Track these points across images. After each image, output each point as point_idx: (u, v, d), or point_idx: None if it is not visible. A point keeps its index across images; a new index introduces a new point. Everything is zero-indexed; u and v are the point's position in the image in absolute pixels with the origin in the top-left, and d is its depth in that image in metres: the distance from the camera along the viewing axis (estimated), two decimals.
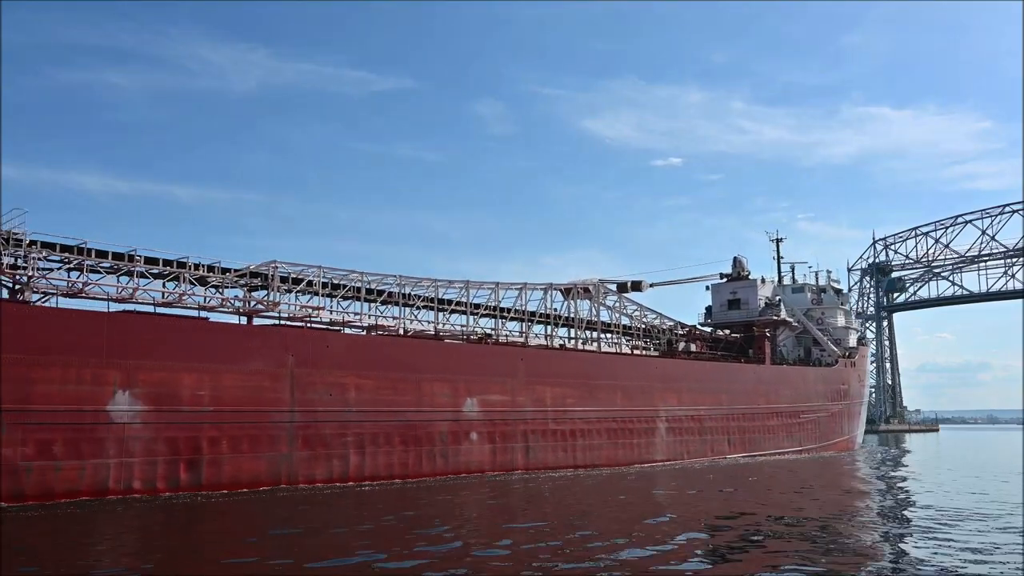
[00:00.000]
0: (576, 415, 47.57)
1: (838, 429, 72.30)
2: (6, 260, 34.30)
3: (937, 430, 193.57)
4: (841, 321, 77.39)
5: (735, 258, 72.80)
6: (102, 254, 37.16)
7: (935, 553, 20.01)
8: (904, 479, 45.34)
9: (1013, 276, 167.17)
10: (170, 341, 33.21)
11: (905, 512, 29.88)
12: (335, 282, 44.94)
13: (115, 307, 36.36)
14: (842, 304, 79.64)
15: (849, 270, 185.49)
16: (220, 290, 41.38)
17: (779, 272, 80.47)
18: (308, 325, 40.73)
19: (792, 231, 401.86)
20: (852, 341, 78.58)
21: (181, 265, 39.25)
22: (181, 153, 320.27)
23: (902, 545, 22.13)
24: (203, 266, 40.12)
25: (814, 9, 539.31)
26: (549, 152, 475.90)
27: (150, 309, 36.81)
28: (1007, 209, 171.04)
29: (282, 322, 40.42)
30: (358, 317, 45.49)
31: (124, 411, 31.18)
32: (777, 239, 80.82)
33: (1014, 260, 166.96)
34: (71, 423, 29.86)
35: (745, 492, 36.75)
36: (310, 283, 43.45)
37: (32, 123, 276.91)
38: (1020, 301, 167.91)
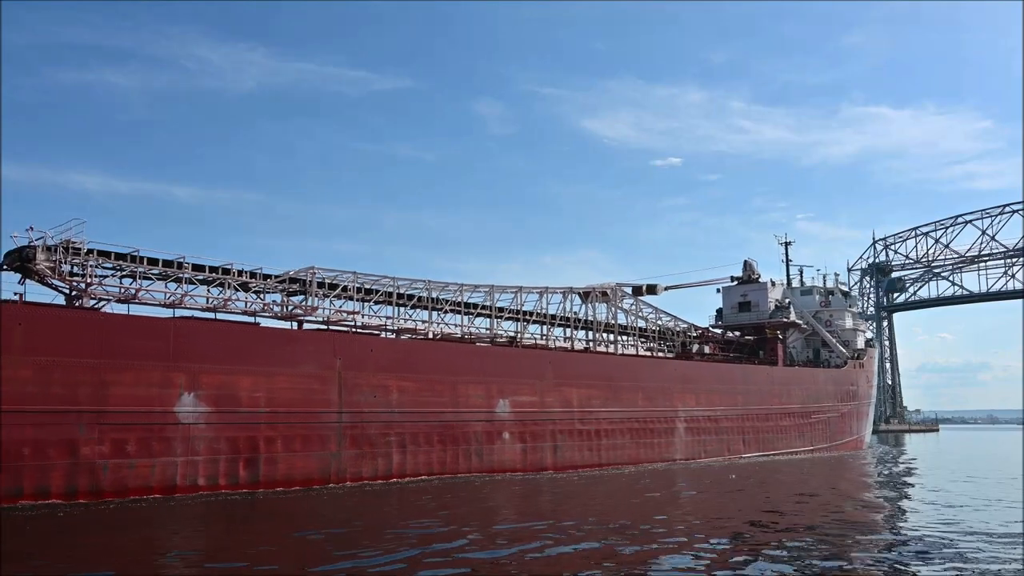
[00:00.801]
0: (601, 416, 50.18)
1: (847, 429, 75.24)
2: (65, 268, 36.65)
3: (937, 430, 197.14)
4: (849, 323, 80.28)
5: (746, 261, 75.56)
6: (153, 261, 39.45)
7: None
8: (921, 480, 48.11)
9: (1013, 276, 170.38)
10: (228, 345, 35.66)
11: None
12: (367, 287, 47.38)
13: (164, 312, 38.85)
14: (850, 307, 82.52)
15: (849, 270, 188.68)
16: (261, 295, 43.80)
17: (788, 275, 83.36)
18: (354, 330, 43.19)
19: (792, 231, 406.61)
20: (860, 343, 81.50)
21: (226, 272, 41.60)
22: (180, 153, 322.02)
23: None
24: (246, 272, 42.50)
25: (814, 9, 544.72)
26: (549, 152, 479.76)
27: (198, 314, 39.22)
28: (1007, 209, 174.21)
29: (329, 327, 42.83)
30: (389, 321, 48.00)
31: (189, 412, 33.62)
32: (786, 242, 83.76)
33: (1014, 260, 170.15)
34: (143, 423, 32.27)
35: (780, 491, 39.46)
36: (345, 288, 45.87)
37: (32, 123, 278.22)
38: (1020, 301, 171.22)
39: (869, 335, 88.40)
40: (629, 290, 65.04)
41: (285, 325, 42.52)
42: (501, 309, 53.29)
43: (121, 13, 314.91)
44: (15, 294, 33.14)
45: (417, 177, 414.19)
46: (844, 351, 77.33)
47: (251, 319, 41.42)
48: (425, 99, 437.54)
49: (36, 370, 30.16)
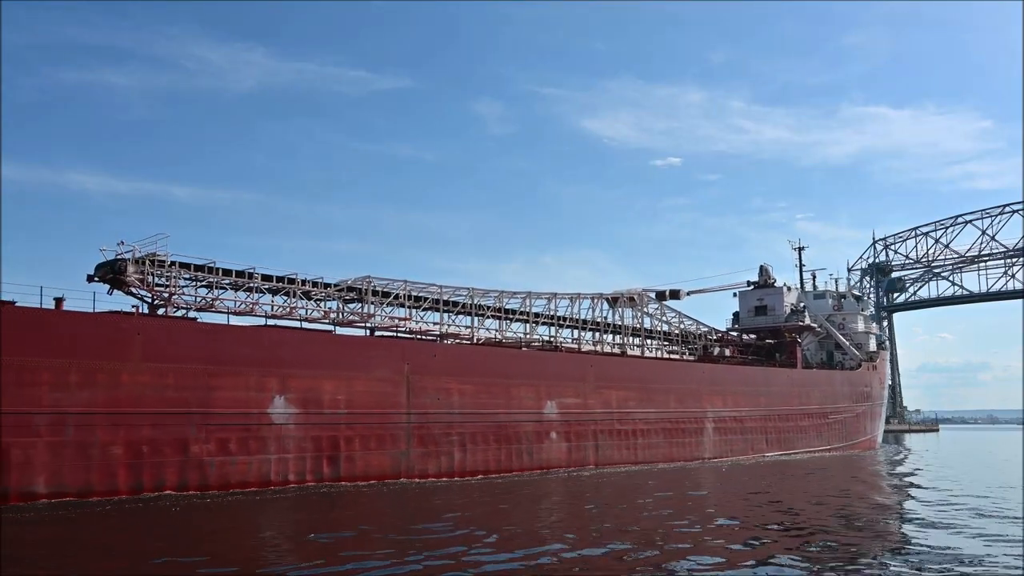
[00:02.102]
0: (637, 416, 54.61)
1: (862, 429, 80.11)
2: (152, 280, 40.64)
3: (937, 430, 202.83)
4: (861, 326, 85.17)
5: (761, 266, 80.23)
6: (227, 272, 43.48)
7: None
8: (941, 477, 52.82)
9: (1013, 276, 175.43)
10: (312, 352, 39.77)
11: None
12: (415, 294, 51.50)
13: (235, 320, 42.89)
14: (862, 310, 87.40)
15: (849, 270, 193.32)
16: (320, 303, 47.86)
17: (801, 279, 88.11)
18: (420, 337, 47.40)
19: (791, 231, 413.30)
20: (872, 345, 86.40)
21: (291, 281, 45.63)
22: (180, 153, 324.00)
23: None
24: (308, 282, 46.54)
25: (813, 9, 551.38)
26: (549, 152, 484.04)
27: (264, 321, 43.22)
28: (1007, 209, 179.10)
29: (397, 334, 47.06)
30: (436, 326, 52.17)
31: (281, 414, 37.72)
32: (800, 247, 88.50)
33: (1014, 260, 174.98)
34: (242, 424, 36.34)
35: (826, 486, 44.01)
36: (396, 296, 49.98)
37: (31, 123, 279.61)
38: (1020, 301, 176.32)
39: (883, 338, 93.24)
40: (653, 295, 69.55)
41: (345, 332, 46.64)
42: (537, 314, 57.55)
43: (121, 13, 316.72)
44: (131, 306, 37.23)
45: (417, 177, 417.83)
46: (857, 353, 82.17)
47: (317, 326, 45.54)
48: (425, 99, 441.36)
49: (153, 375, 34.18)
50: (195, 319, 39.24)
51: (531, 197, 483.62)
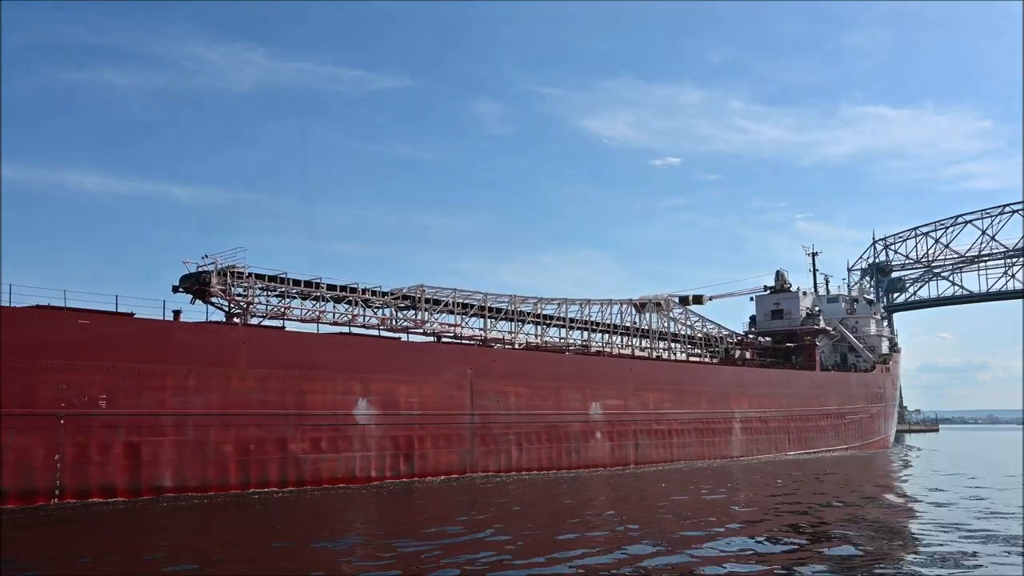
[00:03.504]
0: (672, 417, 59.52)
1: (876, 429, 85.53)
2: (233, 291, 45.02)
3: (937, 430, 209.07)
4: (873, 329, 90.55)
5: (778, 272, 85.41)
6: (296, 282, 47.85)
7: None
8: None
9: (1013, 276, 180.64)
10: (388, 357, 44.33)
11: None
12: (462, 301, 56.05)
13: (304, 327, 47.31)
14: (874, 313, 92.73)
15: (849, 270, 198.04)
16: (377, 310, 52.32)
17: (815, 283, 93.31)
18: (481, 343, 52.05)
19: (791, 231, 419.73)
20: (884, 347, 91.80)
21: (352, 290, 50.07)
22: (180, 153, 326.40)
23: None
24: (368, 290, 50.99)
25: (812, 9, 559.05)
26: (547, 151, 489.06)
27: (332, 329, 47.64)
28: (1007, 209, 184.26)
29: (461, 340, 51.73)
30: (480, 332, 56.78)
31: (364, 415, 42.27)
32: (813, 253, 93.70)
33: (1014, 260, 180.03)
34: (331, 424, 40.85)
35: (860, 480, 48.98)
36: (446, 303, 54.51)
37: (31, 123, 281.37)
38: (1020, 301, 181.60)
39: (895, 340, 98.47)
40: (677, 300, 74.48)
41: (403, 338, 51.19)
42: (572, 319, 62.25)
43: (119, 12, 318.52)
44: (230, 315, 41.64)
45: (415, 176, 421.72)
46: (871, 356, 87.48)
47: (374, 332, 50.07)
48: (424, 98, 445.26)
49: (257, 380, 38.66)
50: (283, 327, 43.65)
51: (530, 197, 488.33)
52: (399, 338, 48.87)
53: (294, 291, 48.06)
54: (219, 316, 44.28)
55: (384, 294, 51.82)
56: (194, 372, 36.71)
